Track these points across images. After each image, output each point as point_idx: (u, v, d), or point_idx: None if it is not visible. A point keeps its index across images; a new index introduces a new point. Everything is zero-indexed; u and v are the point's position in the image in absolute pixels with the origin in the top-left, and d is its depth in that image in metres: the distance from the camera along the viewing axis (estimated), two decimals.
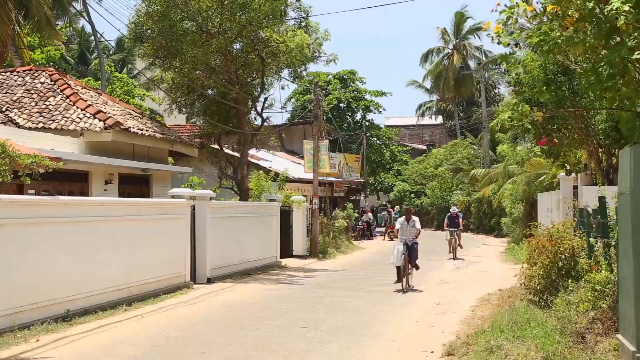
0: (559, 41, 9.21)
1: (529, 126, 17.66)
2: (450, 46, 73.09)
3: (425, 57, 74.56)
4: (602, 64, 8.60)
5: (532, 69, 16.07)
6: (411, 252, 20.12)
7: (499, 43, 11.27)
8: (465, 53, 72.33)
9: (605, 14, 8.33)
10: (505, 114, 17.00)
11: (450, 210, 34.85)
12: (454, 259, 30.48)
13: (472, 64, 72.83)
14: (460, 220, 32.91)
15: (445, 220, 32.95)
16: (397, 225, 20.74)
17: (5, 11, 27.52)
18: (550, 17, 9.50)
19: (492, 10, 10.25)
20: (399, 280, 19.76)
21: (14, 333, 12.35)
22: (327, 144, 42.21)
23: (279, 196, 29.68)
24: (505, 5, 10.00)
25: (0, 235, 12.59)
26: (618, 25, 8.19)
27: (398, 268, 19.82)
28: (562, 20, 9.22)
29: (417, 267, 20.78)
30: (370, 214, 51.82)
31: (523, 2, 9.85)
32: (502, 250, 35.08)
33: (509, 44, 11.38)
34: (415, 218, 20.73)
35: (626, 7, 8.02)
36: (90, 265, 15.18)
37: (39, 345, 11.87)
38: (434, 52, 74.19)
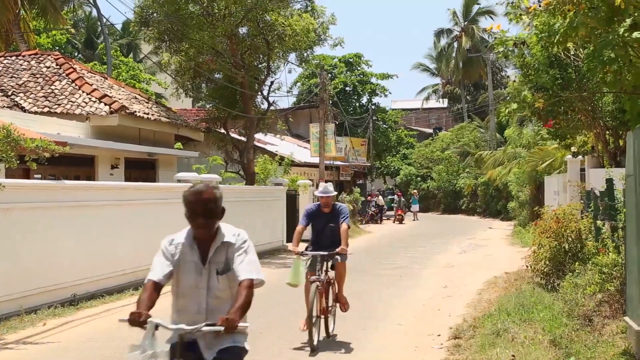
0: (561, 30, 9.15)
1: (529, 114, 17.64)
2: (459, 28, 72.81)
3: (438, 36, 74.46)
4: (602, 46, 8.50)
5: (536, 52, 15.97)
6: None
7: (505, 43, 11.33)
8: (473, 35, 71.97)
9: None
10: (511, 105, 16.98)
11: (317, 193, 11.61)
12: (312, 352, 10.18)
13: (480, 46, 72.57)
14: (345, 221, 11.11)
15: (301, 222, 11.46)
16: (159, 263, 5.49)
17: None
18: (552, 5, 9.46)
19: None
20: None
21: (21, 317, 12.39)
22: (334, 127, 42.18)
23: (285, 180, 29.65)
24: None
25: (7, 219, 12.63)
26: (617, 5, 8.10)
27: None
28: (565, 6, 9.15)
29: None
30: (381, 198, 51.71)
31: None
32: (508, 233, 35.03)
33: (515, 43, 11.42)
34: (233, 231, 5.50)
35: None
36: (96, 249, 15.20)
37: (46, 329, 11.91)
38: (444, 33, 74.09)
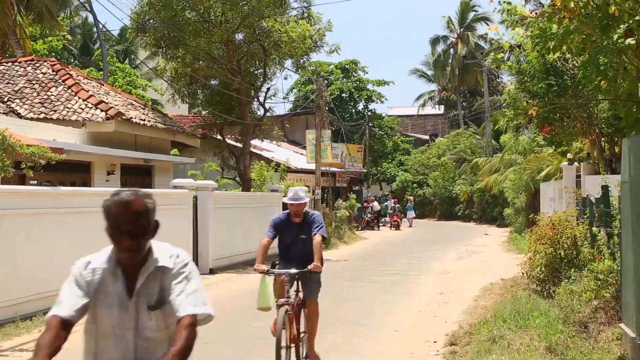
0: (557, 35, 9.18)
1: (523, 122, 17.71)
2: (455, 35, 72.93)
3: (434, 44, 74.56)
4: (596, 52, 8.55)
5: (532, 59, 16.00)
6: None
7: (500, 48, 11.44)
8: (469, 42, 72.02)
9: (597, 2, 8.32)
10: (508, 112, 17.01)
11: (285, 200, 10.54)
12: None
13: (476, 53, 72.67)
14: (319, 232, 9.45)
15: (267, 233, 9.94)
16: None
17: (5, 3, 27.54)
18: (547, 13, 9.50)
19: (491, 1, 10.41)
20: None
21: (16, 324, 12.38)
22: (330, 134, 42.17)
23: (281, 186, 29.65)
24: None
25: (2, 225, 12.61)
26: (612, 12, 8.14)
27: None
28: (560, 14, 9.20)
29: None
30: (376, 204, 51.71)
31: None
32: (504, 240, 35.04)
33: (511, 46, 11.50)
34: (169, 251, 4.03)
35: None
36: None
37: None
38: (440, 40, 74.21)
